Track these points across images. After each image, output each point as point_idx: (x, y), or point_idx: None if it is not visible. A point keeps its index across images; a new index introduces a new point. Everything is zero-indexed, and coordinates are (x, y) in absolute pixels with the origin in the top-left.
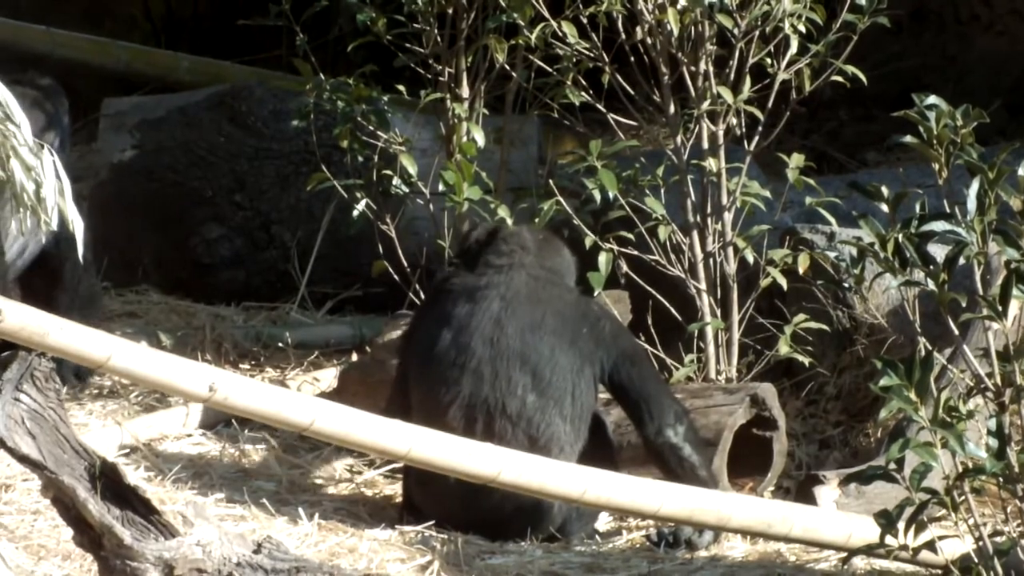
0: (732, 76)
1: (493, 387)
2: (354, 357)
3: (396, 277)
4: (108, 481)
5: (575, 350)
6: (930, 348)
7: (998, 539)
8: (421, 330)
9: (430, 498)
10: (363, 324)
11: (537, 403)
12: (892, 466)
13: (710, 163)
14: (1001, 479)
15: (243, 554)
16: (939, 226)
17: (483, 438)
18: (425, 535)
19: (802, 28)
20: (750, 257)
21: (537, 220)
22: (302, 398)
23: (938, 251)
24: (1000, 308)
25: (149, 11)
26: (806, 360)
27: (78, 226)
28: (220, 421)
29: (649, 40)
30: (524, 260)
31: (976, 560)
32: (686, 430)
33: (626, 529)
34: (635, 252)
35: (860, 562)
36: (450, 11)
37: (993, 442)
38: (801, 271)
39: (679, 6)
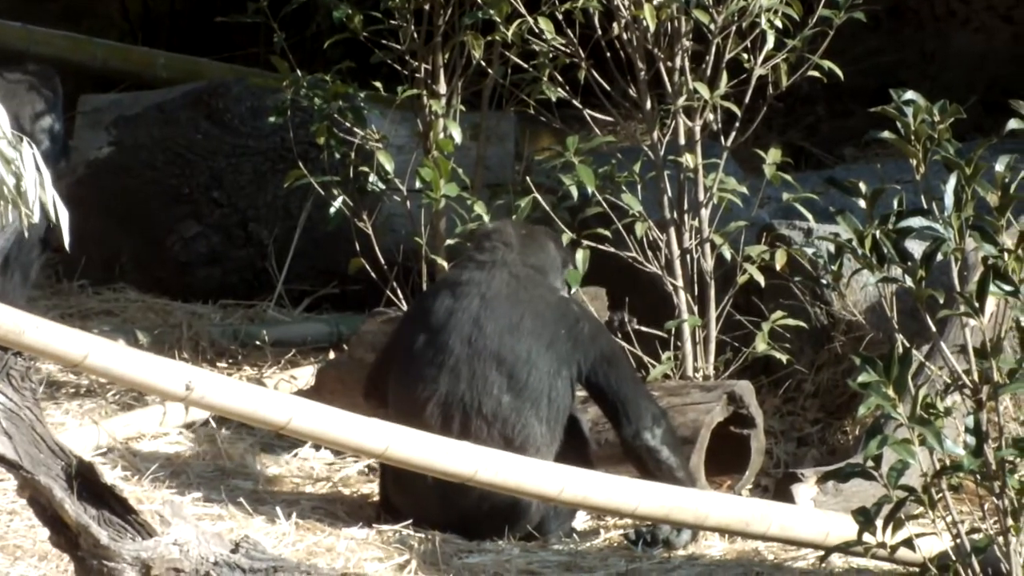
0: (709, 71)
1: (470, 386)
2: (331, 355)
3: (373, 274)
4: (85, 481)
5: (553, 352)
6: (908, 345)
7: (976, 536)
8: (405, 324)
9: (407, 497)
10: (340, 322)
11: (513, 404)
12: (870, 463)
13: (687, 159)
14: (979, 476)
15: (220, 553)
16: (916, 222)
17: (459, 437)
18: (403, 534)
19: (779, 23)
20: (727, 253)
21: (514, 217)
22: (279, 396)
23: (916, 247)
24: (977, 304)
25: (126, 9)
26: (784, 357)
27: (63, 217)
28: (197, 420)
29: (625, 36)
30: (507, 257)
31: (954, 558)
32: (664, 432)
33: (604, 528)
34: (612, 249)
35: (838, 560)
36: (427, 7)
37: (971, 439)
38: (778, 267)
39: (655, 2)
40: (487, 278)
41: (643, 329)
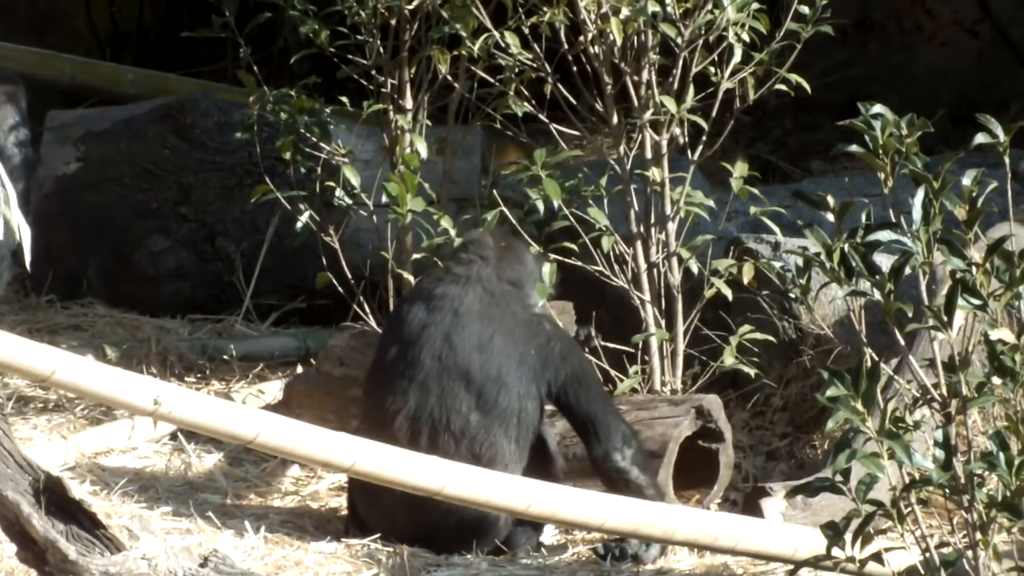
0: (676, 85)
1: (439, 402)
2: (299, 369)
3: (340, 289)
4: (53, 496)
5: (523, 370)
6: (876, 359)
7: (945, 550)
8: (383, 335)
9: (375, 511)
10: (308, 336)
11: (482, 422)
12: (838, 478)
13: (653, 173)
14: (948, 490)
15: (189, 568)
16: (885, 236)
17: (427, 452)
18: (371, 548)
19: (746, 37)
20: (694, 267)
21: (480, 230)
22: (247, 411)
23: (884, 261)
24: (945, 318)
25: (93, 24)
26: (752, 371)
27: (25, 234)
28: (165, 434)
29: (592, 50)
30: (482, 272)
31: (923, 572)
32: (634, 453)
33: (572, 543)
34: (579, 263)
35: (807, 575)
36: (393, 22)
37: (940, 453)
38: (746, 281)
39: (622, 16)
40: (461, 293)
41: (609, 345)
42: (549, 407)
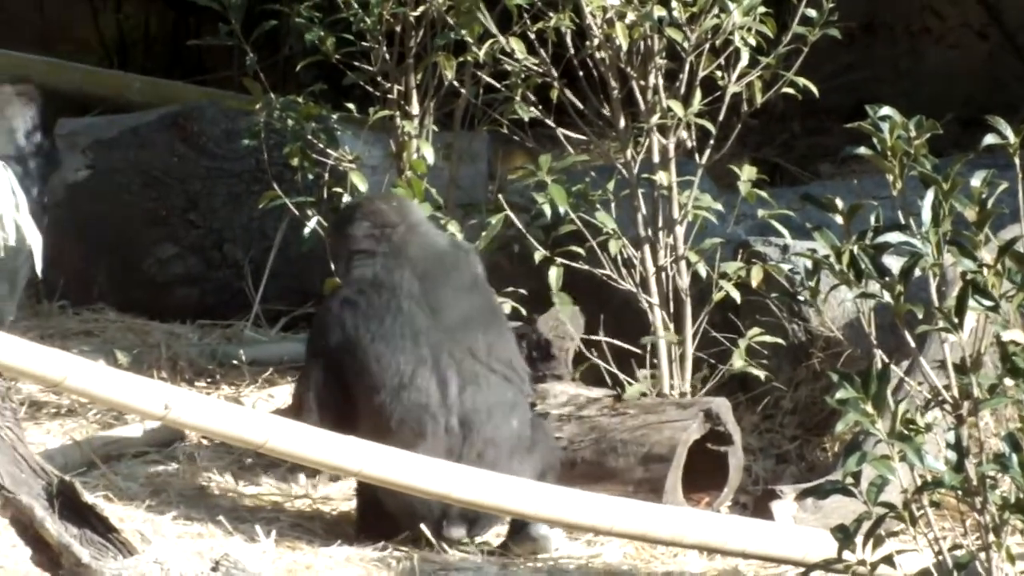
0: (683, 89)
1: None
2: None
3: None
4: (66, 500)
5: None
6: (886, 361)
7: (957, 553)
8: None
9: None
10: None
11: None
12: (849, 480)
13: (661, 177)
14: (960, 492)
15: (200, 571)
16: (894, 238)
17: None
18: (382, 552)
19: (752, 40)
20: (703, 271)
21: (485, 234)
22: (256, 416)
23: (893, 263)
24: (956, 320)
25: (101, 33)
26: (761, 374)
27: (36, 241)
28: (175, 439)
29: (598, 55)
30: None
31: (935, 574)
32: None
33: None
34: (586, 267)
35: None
36: (398, 29)
37: (951, 455)
38: (754, 284)
39: (628, 20)
40: (400, 278)
41: (615, 341)
42: (559, 411)
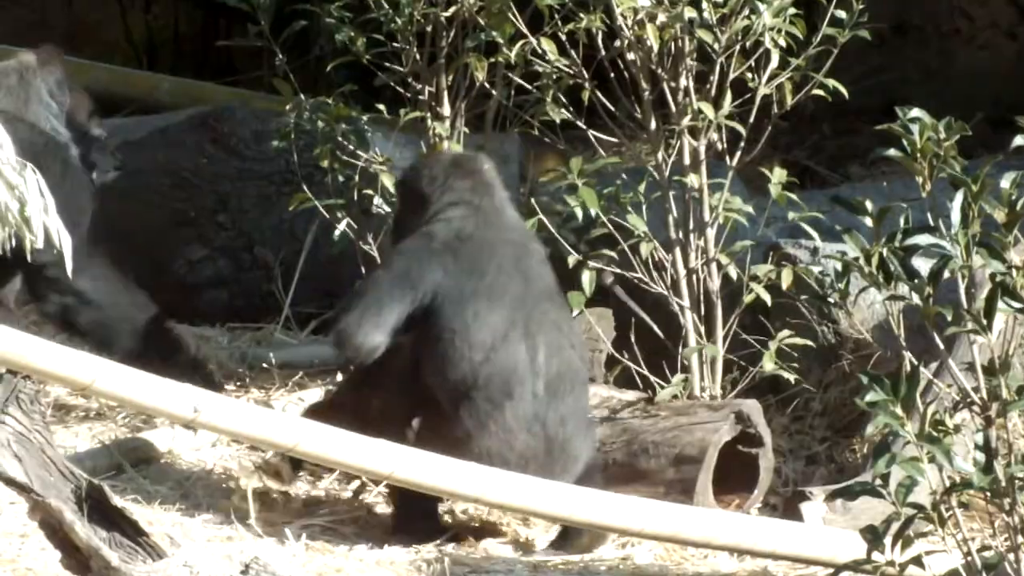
0: (713, 91)
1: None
2: (339, 377)
3: None
4: (95, 503)
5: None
6: (916, 362)
7: (986, 554)
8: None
9: (492, 439)
10: None
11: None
12: (878, 481)
13: (692, 179)
14: (988, 493)
15: (230, 574)
16: (923, 240)
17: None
18: (413, 555)
19: (783, 42)
20: (733, 273)
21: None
22: (286, 419)
23: (923, 265)
24: (985, 322)
25: (130, 33)
26: (791, 376)
27: (65, 242)
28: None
29: (629, 56)
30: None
31: (964, 575)
32: None
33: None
34: (617, 270)
35: None
36: (429, 29)
37: (980, 456)
38: (785, 287)
39: (659, 22)
40: (497, 239)
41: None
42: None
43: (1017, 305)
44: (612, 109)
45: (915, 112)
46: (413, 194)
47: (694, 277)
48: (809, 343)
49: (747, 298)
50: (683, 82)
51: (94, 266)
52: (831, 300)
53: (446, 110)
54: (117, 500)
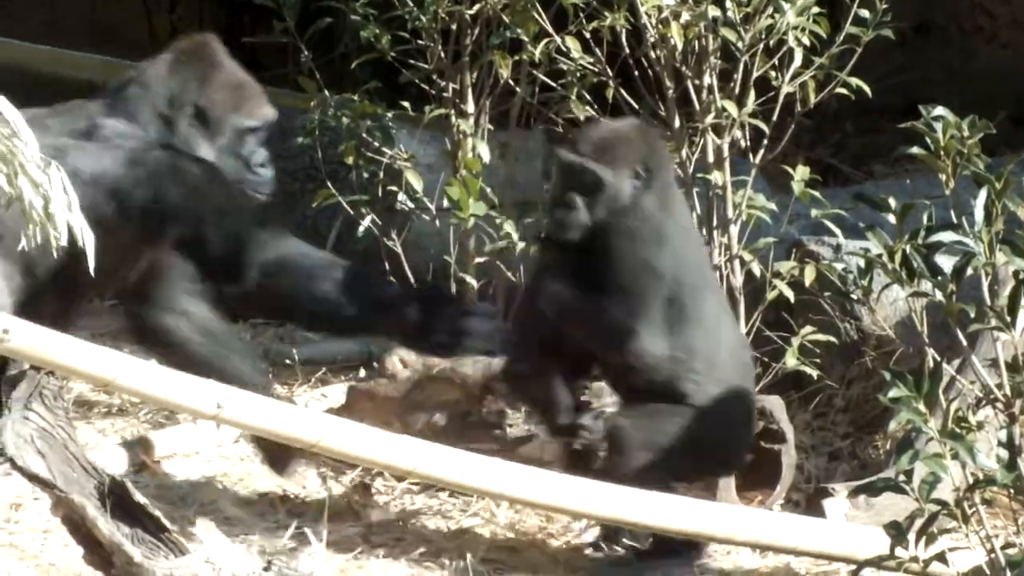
0: (737, 89)
1: None
2: (362, 373)
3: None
4: (117, 499)
5: None
6: (939, 359)
7: (1010, 551)
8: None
9: None
10: (370, 340)
11: None
12: (901, 478)
13: (715, 176)
14: (1012, 490)
15: (252, 571)
16: (946, 237)
17: None
18: (432, 553)
19: (806, 41)
20: (756, 270)
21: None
22: (309, 415)
23: (946, 262)
24: (1008, 319)
25: (153, 32)
26: (814, 372)
27: (88, 240)
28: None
29: (653, 54)
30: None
31: (988, 572)
32: None
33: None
34: None
35: (870, 575)
36: (454, 27)
37: (1003, 453)
38: (808, 283)
39: (683, 20)
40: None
41: None
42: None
43: None
44: (636, 107)
45: (938, 110)
46: (608, 158)
47: (717, 274)
48: (832, 339)
49: (770, 295)
50: (707, 80)
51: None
52: (854, 297)
53: (471, 107)
54: (139, 496)
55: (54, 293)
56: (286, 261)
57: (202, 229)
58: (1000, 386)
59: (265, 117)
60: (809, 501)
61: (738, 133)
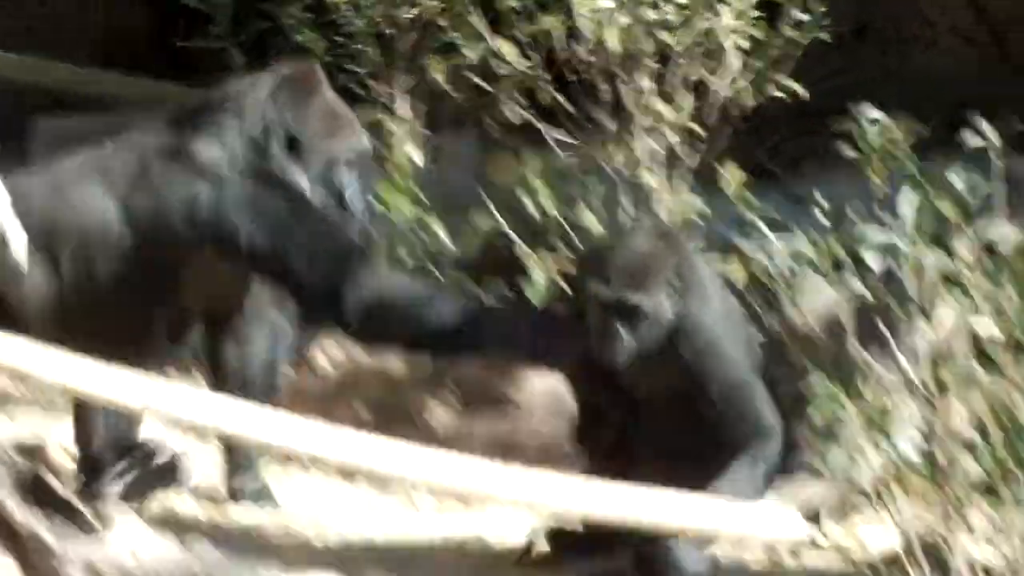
0: (673, 92)
1: None
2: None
3: None
4: (33, 485)
5: None
6: (861, 351)
7: (924, 533)
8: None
9: None
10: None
11: None
12: (821, 464)
13: (648, 179)
14: (928, 476)
15: (169, 549)
16: (873, 233)
17: None
18: None
19: (743, 44)
20: None
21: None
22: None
23: (873, 259)
24: (930, 312)
25: (85, 31)
26: None
27: (19, 242)
28: None
29: (588, 58)
30: None
31: (902, 554)
32: None
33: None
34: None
35: (788, 558)
36: (388, 31)
37: (921, 440)
38: (739, 284)
39: (619, 24)
40: None
41: None
42: None
43: (961, 296)
44: (570, 110)
45: (873, 113)
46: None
47: None
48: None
49: None
50: (642, 83)
51: None
52: (782, 294)
53: (404, 110)
54: (56, 482)
55: None
56: (386, 297)
57: (295, 262)
58: (920, 376)
59: (359, 148)
60: None
61: (672, 136)
